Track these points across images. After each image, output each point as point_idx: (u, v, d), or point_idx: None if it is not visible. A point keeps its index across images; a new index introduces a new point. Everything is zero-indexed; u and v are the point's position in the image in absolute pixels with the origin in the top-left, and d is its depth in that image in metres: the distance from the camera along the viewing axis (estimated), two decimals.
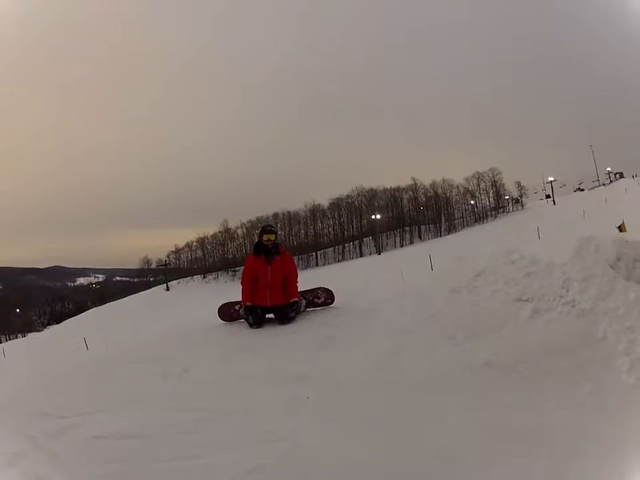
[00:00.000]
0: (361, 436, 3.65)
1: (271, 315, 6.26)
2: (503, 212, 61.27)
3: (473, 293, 5.70)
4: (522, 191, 62.03)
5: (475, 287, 5.80)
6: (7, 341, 52.74)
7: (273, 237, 6.34)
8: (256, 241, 6.56)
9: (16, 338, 54.96)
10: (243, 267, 6.64)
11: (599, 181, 60.06)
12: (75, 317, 60.97)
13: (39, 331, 59.88)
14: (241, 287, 6.39)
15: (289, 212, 62.23)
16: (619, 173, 60.97)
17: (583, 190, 61.42)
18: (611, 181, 60.14)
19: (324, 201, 63.10)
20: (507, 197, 62.38)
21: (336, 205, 62.98)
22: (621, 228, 14.34)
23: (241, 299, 6.33)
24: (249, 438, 3.69)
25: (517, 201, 62.07)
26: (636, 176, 55.42)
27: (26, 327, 59.86)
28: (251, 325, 6.14)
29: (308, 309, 6.43)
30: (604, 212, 27.45)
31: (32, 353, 23.30)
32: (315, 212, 62.81)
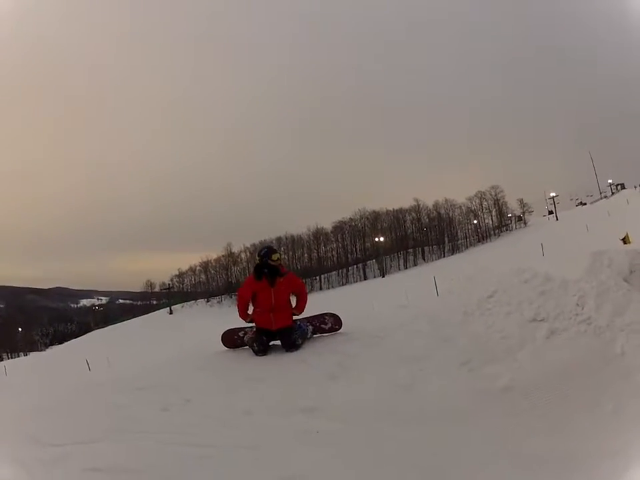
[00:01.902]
0: (377, 474, 3.42)
1: (277, 342, 6.04)
2: (506, 230, 60.98)
3: (486, 315, 5.58)
4: (524, 208, 61.82)
5: (487, 308, 5.69)
6: (9, 359, 52.51)
7: (279, 256, 6.14)
8: (256, 262, 6.19)
9: (18, 357, 54.72)
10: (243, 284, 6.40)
11: (601, 194, 59.77)
12: (78, 338, 60.57)
13: (42, 350, 59.50)
14: (237, 302, 6.27)
15: (292, 235, 61.87)
16: (620, 184, 60.77)
17: (585, 204, 61.22)
18: (612, 193, 59.93)
19: (327, 224, 62.85)
20: (510, 215, 62.19)
21: (339, 228, 62.53)
22: (625, 240, 14.11)
23: (244, 325, 6.15)
24: (257, 476, 3.44)
25: (520, 219, 61.85)
26: (638, 186, 55.25)
27: (28, 346, 59.53)
28: (256, 353, 5.92)
29: (315, 335, 6.22)
30: (607, 225, 27.25)
31: (33, 372, 22.91)
32: (319, 235, 62.43)
